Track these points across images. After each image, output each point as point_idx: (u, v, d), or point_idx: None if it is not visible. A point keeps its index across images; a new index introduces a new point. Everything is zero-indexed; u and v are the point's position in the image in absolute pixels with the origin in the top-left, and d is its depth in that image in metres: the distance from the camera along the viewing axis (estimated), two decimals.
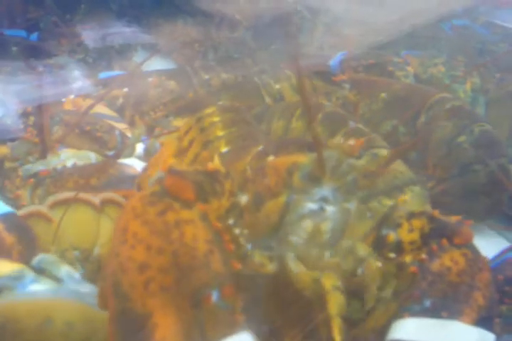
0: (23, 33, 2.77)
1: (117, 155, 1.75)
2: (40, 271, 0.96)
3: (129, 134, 1.92)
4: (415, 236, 0.86)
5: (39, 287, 0.91)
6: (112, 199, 1.17)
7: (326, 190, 0.82)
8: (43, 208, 1.10)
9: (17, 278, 0.91)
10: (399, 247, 0.86)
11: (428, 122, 1.67)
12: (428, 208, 1.29)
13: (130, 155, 1.75)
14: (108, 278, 0.71)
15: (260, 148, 0.97)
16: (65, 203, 1.11)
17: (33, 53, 2.52)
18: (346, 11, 2.42)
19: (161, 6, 3.16)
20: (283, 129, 1.50)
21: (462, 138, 1.61)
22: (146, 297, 0.67)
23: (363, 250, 0.83)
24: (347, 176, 0.82)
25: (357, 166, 0.83)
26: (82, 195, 1.14)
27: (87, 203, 1.13)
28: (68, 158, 1.57)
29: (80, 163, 1.55)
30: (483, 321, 0.81)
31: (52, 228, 1.08)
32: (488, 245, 1.53)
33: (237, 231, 0.82)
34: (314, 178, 0.81)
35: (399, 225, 0.87)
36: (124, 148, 1.81)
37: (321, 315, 0.83)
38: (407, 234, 0.86)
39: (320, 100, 1.94)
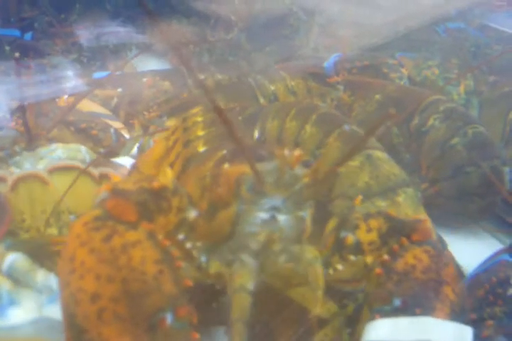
0: (17, 33, 2.76)
1: (110, 153, 1.74)
2: (14, 279, 0.92)
3: (125, 133, 1.91)
4: (373, 236, 0.86)
5: (18, 315, 0.86)
6: (109, 175, 1.17)
7: (275, 200, 0.81)
8: (42, 171, 1.09)
9: None
10: (359, 248, 0.86)
11: (422, 124, 1.67)
12: (421, 210, 1.30)
13: (127, 154, 1.75)
14: (62, 308, 0.71)
15: (224, 152, 0.96)
16: (65, 170, 1.10)
17: (27, 52, 2.51)
18: (341, 12, 2.43)
19: (155, 6, 3.16)
20: (277, 129, 1.49)
21: (455, 140, 1.61)
22: (101, 327, 0.67)
23: (310, 254, 0.82)
24: (292, 187, 0.81)
25: (300, 176, 0.81)
26: (82, 165, 1.14)
27: (86, 173, 1.12)
28: (57, 148, 1.55)
29: (70, 154, 1.53)
30: (458, 315, 0.81)
31: (48, 190, 1.06)
32: (482, 247, 1.55)
33: (188, 245, 0.82)
34: (259, 190, 0.81)
35: (356, 226, 0.87)
36: (119, 146, 1.81)
37: (313, 319, 0.83)
38: (365, 234, 0.87)
39: (315, 101, 1.94)
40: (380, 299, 0.82)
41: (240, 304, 0.77)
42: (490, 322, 1.05)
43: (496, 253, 1.33)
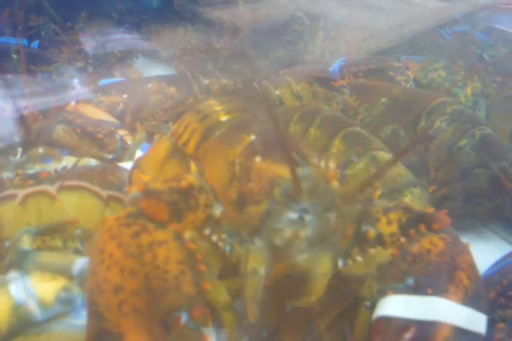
0: (24, 41, 2.79)
1: (117, 160, 1.75)
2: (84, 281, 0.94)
3: (129, 140, 1.92)
4: (394, 227, 0.89)
5: None
6: (117, 196, 1.19)
7: (305, 204, 0.84)
8: (51, 188, 1.12)
9: (68, 302, 0.90)
10: (380, 240, 0.88)
11: (429, 126, 1.66)
12: (429, 210, 1.28)
13: (131, 159, 1.75)
14: (86, 296, 0.73)
15: (252, 138, 0.99)
16: (74, 189, 1.14)
17: (34, 61, 2.53)
18: (347, 16, 2.43)
19: (161, 13, 3.18)
20: None
21: (463, 142, 1.60)
22: (120, 318, 0.69)
23: (324, 264, 0.84)
24: (324, 197, 0.84)
25: (333, 190, 0.85)
26: (92, 186, 1.17)
27: (95, 194, 1.16)
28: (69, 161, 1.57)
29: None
30: (472, 301, 0.81)
31: (55, 205, 1.10)
32: (491, 249, 1.52)
33: (214, 238, 0.85)
34: (293, 195, 0.84)
35: (377, 220, 0.89)
36: (124, 153, 1.81)
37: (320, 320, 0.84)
38: (385, 227, 0.89)
39: (320, 105, 1.93)
40: (394, 277, 0.83)
41: (253, 286, 0.82)
42: (501, 325, 1.04)
43: (506, 256, 1.31)
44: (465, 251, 0.87)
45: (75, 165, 1.55)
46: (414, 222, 0.89)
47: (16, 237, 1.01)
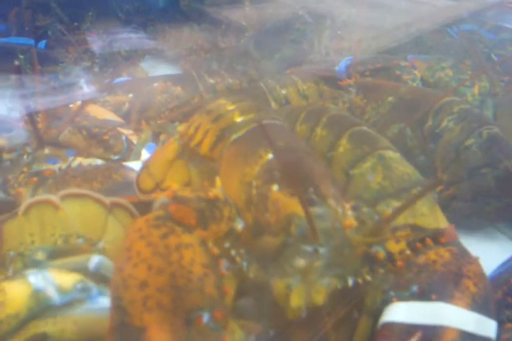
0: (31, 41, 2.80)
1: (123, 161, 1.75)
2: (99, 277, 0.98)
3: (134, 140, 1.92)
4: (402, 245, 0.90)
5: (107, 302, 0.91)
6: (120, 203, 1.20)
7: (319, 240, 0.86)
8: (54, 197, 1.13)
9: (84, 290, 0.94)
10: (390, 259, 0.90)
11: (436, 126, 1.65)
12: (437, 208, 1.28)
13: (137, 158, 1.75)
14: (111, 291, 0.75)
15: (270, 157, 0.99)
16: (77, 197, 1.15)
17: (41, 61, 2.54)
18: (353, 15, 2.42)
19: (167, 12, 3.18)
20: None
21: (470, 142, 1.59)
22: (144, 312, 0.70)
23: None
24: (338, 239, 0.86)
25: (349, 239, 0.86)
26: (94, 194, 1.17)
27: (98, 201, 1.16)
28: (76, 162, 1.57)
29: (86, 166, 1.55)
30: (481, 307, 0.82)
31: (58, 215, 1.11)
32: (498, 249, 1.51)
33: (233, 252, 0.87)
34: (308, 235, 0.85)
35: (385, 240, 0.90)
36: (130, 153, 1.81)
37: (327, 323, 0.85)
38: (394, 245, 0.91)
39: (326, 105, 1.92)
40: (399, 286, 0.85)
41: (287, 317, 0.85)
42: (509, 325, 1.03)
43: None
44: (473, 262, 0.88)
45: (79, 164, 1.56)
46: (422, 238, 0.90)
47: (29, 253, 1.05)
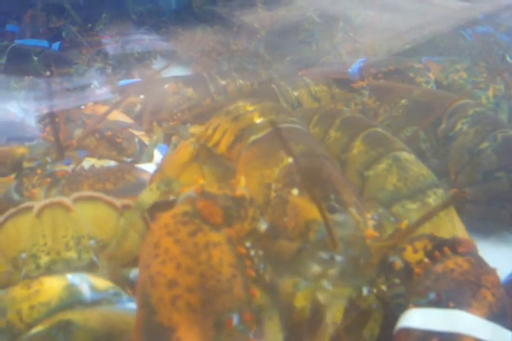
0: (45, 43, 2.82)
1: (135, 163, 1.75)
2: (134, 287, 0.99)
3: (146, 141, 1.92)
4: (420, 255, 0.90)
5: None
6: (131, 205, 1.20)
7: (337, 248, 0.86)
8: (66, 200, 1.14)
9: (117, 295, 0.95)
10: (408, 269, 0.89)
11: (449, 128, 1.63)
12: (452, 210, 1.26)
13: (149, 160, 1.75)
14: (138, 288, 0.74)
15: (290, 161, 0.99)
16: (89, 199, 1.16)
17: (55, 62, 2.56)
18: (366, 18, 2.41)
19: (179, 14, 3.19)
20: None
21: (485, 145, 1.57)
22: (173, 312, 0.69)
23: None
24: (357, 248, 0.86)
25: (368, 248, 0.86)
26: (106, 196, 1.18)
27: (110, 204, 1.17)
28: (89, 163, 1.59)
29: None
30: (498, 317, 0.81)
31: (70, 217, 1.12)
32: None
33: (252, 253, 0.86)
34: (327, 242, 0.85)
35: (403, 249, 0.91)
36: (142, 154, 1.82)
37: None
38: (412, 255, 0.90)
39: (339, 107, 1.92)
40: (417, 293, 0.84)
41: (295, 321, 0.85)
42: None
43: None
44: (491, 272, 0.87)
45: (92, 165, 1.57)
46: (440, 248, 0.90)
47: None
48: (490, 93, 1.91)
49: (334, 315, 0.84)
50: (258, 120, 1.18)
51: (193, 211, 0.79)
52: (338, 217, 0.87)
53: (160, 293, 0.70)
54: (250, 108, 1.24)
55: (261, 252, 0.86)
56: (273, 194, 0.94)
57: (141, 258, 0.76)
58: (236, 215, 0.83)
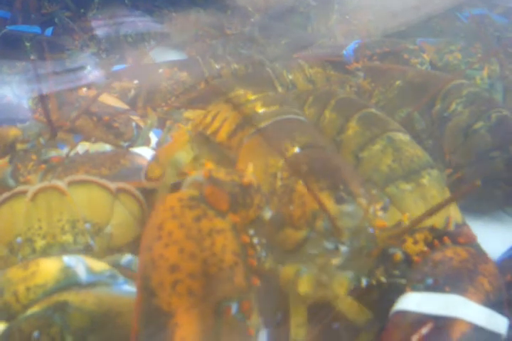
0: (37, 29, 2.80)
1: (131, 147, 1.75)
2: (129, 274, 1.00)
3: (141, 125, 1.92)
4: (421, 246, 0.92)
5: (133, 288, 0.94)
6: (126, 188, 1.20)
7: (343, 238, 0.86)
8: (61, 183, 1.14)
9: (112, 277, 0.95)
10: (408, 260, 0.90)
11: (444, 109, 1.63)
12: (446, 191, 1.27)
13: (143, 144, 1.75)
14: (138, 270, 0.73)
15: (296, 150, 0.99)
16: (83, 183, 1.15)
17: (48, 48, 2.54)
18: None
19: None
20: None
21: (479, 125, 1.57)
22: (173, 296, 0.69)
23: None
24: (364, 238, 0.86)
25: (374, 239, 0.87)
26: (100, 179, 1.18)
27: (104, 187, 1.17)
28: (83, 148, 1.58)
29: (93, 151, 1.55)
30: (493, 304, 0.82)
31: (65, 200, 1.12)
32: (507, 233, 1.50)
33: (255, 240, 0.86)
34: (334, 232, 0.85)
35: (403, 241, 0.92)
36: (138, 138, 1.81)
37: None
38: (412, 246, 0.91)
39: (334, 89, 1.91)
40: (414, 279, 0.85)
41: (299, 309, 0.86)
42: None
43: None
44: (489, 262, 0.88)
45: (87, 150, 1.56)
46: (440, 238, 0.91)
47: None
48: (485, 73, 1.90)
49: (340, 292, 0.84)
50: (261, 110, 1.18)
51: (199, 196, 0.79)
52: (346, 207, 0.87)
53: (161, 276, 0.70)
54: (252, 97, 1.23)
55: (264, 240, 0.86)
56: (279, 183, 0.95)
57: (144, 239, 0.76)
58: (242, 202, 0.83)
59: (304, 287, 0.84)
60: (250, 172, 0.87)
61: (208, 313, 0.69)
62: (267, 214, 0.87)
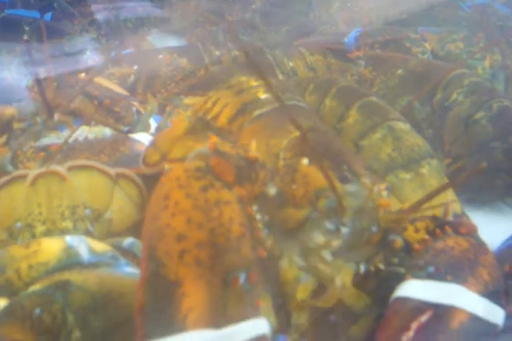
0: (36, 14, 2.77)
1: (131, 132, 1.75)
2: (127, 255, 1.01)
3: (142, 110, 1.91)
4: (422, 234, 0.91)
5: (134, 270, 0.95)
6: (125, 173, 1.20)
7: (346, 218, 0.86)
8: (61, 169, 1.14)
9: (113, 258, 0.96)
10: (409, 248, 0.90)
11: (445, 98, 1.63)
12: (445, 180, 1.27)
13: (143, 130, 1.74)
14: (143, 240, 0.72)
15: (299, 133, 0.98)
16: (83, 168, 1.15)
17: (47, 33, 2.51)
18: None
19: None
20: None
21: (480, 115, 1.56)
22: (180, 266, 0.68)
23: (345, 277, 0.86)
24: (367, 218, 0.86)
25: (377, 221, 0.86)
26: (100, 165, 1.18)
27: (104, 172, 1.17)
28: (83, 132, 1.58)
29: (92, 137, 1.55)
30: (491, 295, 0.83)
31: (65, 186, 1.12)
32: (507, 223, 1.51)
33: (258, 216, 0.85)
34: (336, 211, 0.85)
35: (404, 229, 0.92)
36: (137, 124, 1.81)
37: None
38: (413, 234, 0.91)
39: (335, 76, 1.90)
40: (416, 266, 0.86)
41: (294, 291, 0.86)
42: None
43: None
44: (489, 253, 0.89)
45: (86, 137, 1.56)
46: (441, 227, 0.91)
47: None
48: (486, 63, 1.89)
49: (343, 280, 0.85)
50: (263, 95, 1.17)
51: (205, 167, 0.77)
52: (350, 187, 0.86)
53: (168, 245, 0.69)
54: (255, 83, 1.23)
55: (267, 217, 0.86)
56: (281, 163, 0.94)
57: (149, 210, 0.74)
58: (247, 176, 0.82)
59: (302, 295, 0.84)
60: (254, 148, 0.86)
61: (215, 283, 0.68)
62: (272, 191, 0.87)
